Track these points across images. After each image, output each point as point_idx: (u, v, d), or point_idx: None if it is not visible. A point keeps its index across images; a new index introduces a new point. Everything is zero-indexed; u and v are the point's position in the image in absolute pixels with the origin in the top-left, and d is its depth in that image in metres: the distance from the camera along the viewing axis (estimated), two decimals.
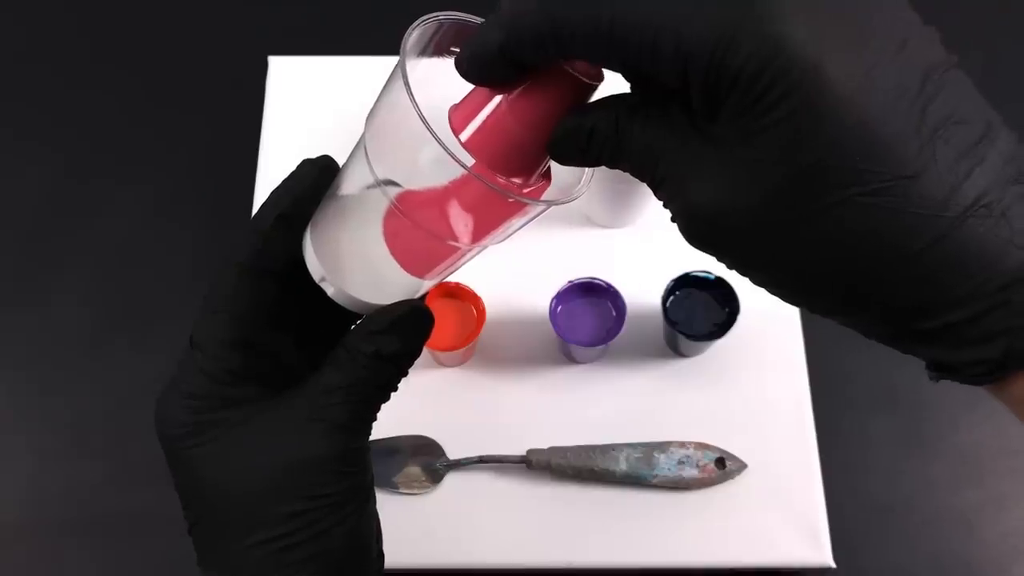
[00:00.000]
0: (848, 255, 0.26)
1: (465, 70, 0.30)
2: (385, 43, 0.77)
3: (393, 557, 0.58)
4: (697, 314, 0.61)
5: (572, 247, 0.67)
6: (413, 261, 0.37)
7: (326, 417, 0.34)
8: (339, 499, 0.35)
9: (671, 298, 0.61)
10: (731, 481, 0.60)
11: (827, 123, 0.24)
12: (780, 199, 0.26)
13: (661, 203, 0.29)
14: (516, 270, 0.66)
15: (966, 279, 0.25)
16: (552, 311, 0.61)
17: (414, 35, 0.32)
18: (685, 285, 0.61)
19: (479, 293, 0.61)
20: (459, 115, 0.32)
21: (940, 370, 0.28)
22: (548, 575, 0.60)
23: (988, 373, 0.26)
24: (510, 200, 0.32)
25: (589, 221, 0.68)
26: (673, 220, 0.29)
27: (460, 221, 0.34)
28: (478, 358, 0.64)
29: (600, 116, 0.29)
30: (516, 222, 0.34)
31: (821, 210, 0.25)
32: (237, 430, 0.35)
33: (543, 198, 0.33)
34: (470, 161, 0.32)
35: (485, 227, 0.34)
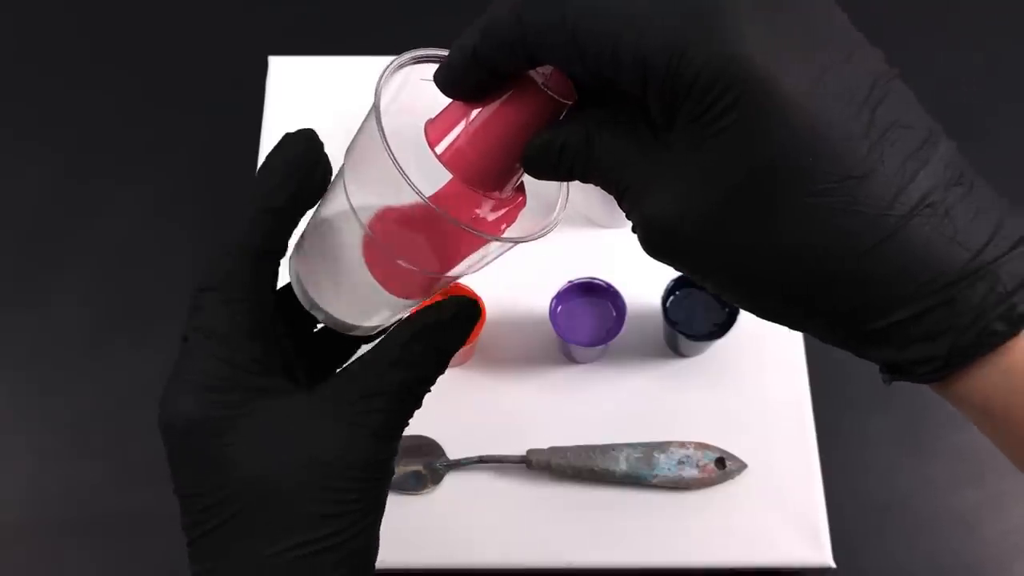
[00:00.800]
0: (799, 256, 0.26)
1: (442, 79, 0.31)
2: (385, 43, 0.77)
3: (393, 557, 0.58)
4: (697, 314, 0.61)
5: (572, 247, 0.67)
6: (398, 286, 0.37)
7: (367, 423, 0.34)
8: (368, 504, 0.35)
9: (671, 298, 0.61)
10: (731, 481, 0.60)
11: (777, 126, 0.25)
12: (733, 202, 0.26)
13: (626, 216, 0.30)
14: (516, 270, 0.66)
15: (912, 278, 0.26)
16: (552, 311, 0.61)
17: (388, 74, 0.33)
18: (685, 285, 0.61)
19: (479, 293, 0.61)
20: (435, 129, 0.32)
21: (892, 371, 0.28)
22: (548, 575, 0.60)
23: (934, 371, 0.27)
24: (481, 236, 0.33)
25: (589, 221, 0.68)
26: (634, 231, 0.29)
27: (433, 253, 0.35)
28: (478, 358, 0.64)
29: (571, 131, 0.30)
30: (491, 253, 0.34)
31: (772, 212, 0.26)
32: (269, 425, 0.33)
33: (510, 233, 0.34)
34: (440, 189, 0.32)
35: (457, 258, 0.35)
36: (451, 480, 0.60)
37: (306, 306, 0.37)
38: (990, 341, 0.26)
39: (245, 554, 0.33)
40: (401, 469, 0.60)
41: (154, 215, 0.72)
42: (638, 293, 0.63)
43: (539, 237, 0.34)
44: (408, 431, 0.67)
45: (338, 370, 0.36)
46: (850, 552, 0.60)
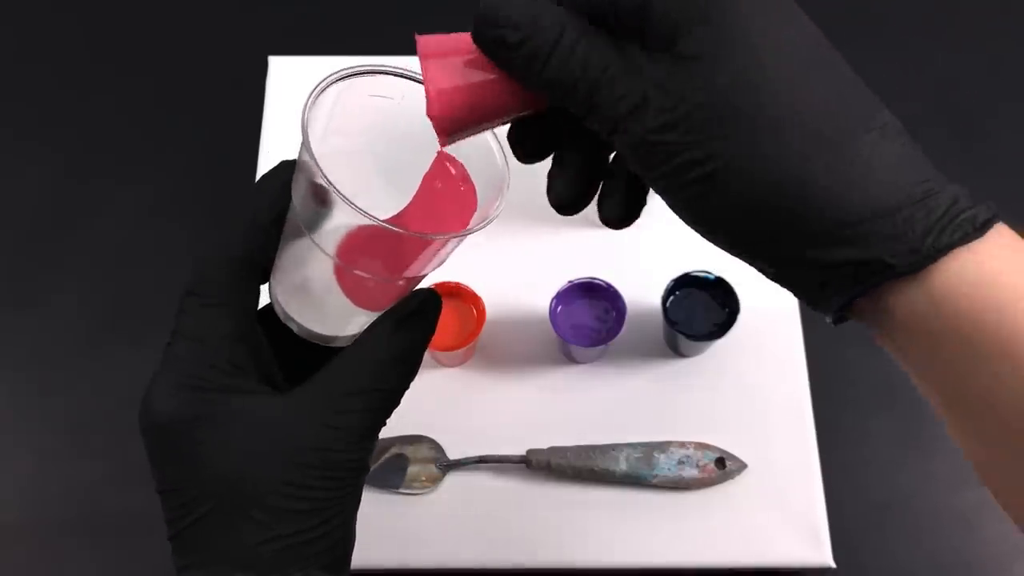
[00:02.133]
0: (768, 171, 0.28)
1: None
2: (385, 43, 0.77)
3: (393, 557, 0.59)
4: (697, 314, 0.61)
5: (572, 247, 0.67)
6: (363, 297, 0.38)
7: (342, 424, 0.35)
8: (348, 497, 0.36)
9: (671, 298, 0.61)
10: (731, 481, 0.60)
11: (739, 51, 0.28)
12: (707, 110, 0.28)
13: (601, 134, 0.31)
14: (516, 270, 0.66)
15: (891, 185, 0.28)
16: (552, 311, 0.61)
17: (314, 100, 0.35)
18: (685, 285, 0.61)
19: (479, 293, 0.61)
20: (435, 57, 0.32)
21: (857, 276, 0.29)
22: (548, 575, 0.60)
23: (909, 266, 0.28)
24: (427, 239, 0.34)
25: (589, 221, 0.68)
26: (621, 150, 0.31)
27: (393, 262, 0.37)
28: (478, 358, 0.64)
29: (549, 16, 0.30)
30: (449, 247, 0.36)
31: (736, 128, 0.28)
32: (244, 424, 0.35)
33: (453, 231, 0.35)
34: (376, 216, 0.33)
35: (416, 263, 0.36)
36: (451, 480, 0.60)
37: (284, 321, 0.39)
38: (962, 237, 0.28)
39: (222, 549, 0.34)
40: (401, 469, 0.60)
41: (154, 215, 0.72)
42: (638, 293, 0.63)
43: (480, 229, 0.35)
44: (408, 431, 0.67)
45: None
46: (850, 552, 0.60)
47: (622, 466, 0.59)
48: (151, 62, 0.78)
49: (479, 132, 0.33)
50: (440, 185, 0.38)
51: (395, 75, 0.38)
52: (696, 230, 0.32)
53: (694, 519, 0.59)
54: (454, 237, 0.34)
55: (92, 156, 0.74)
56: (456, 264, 0.65)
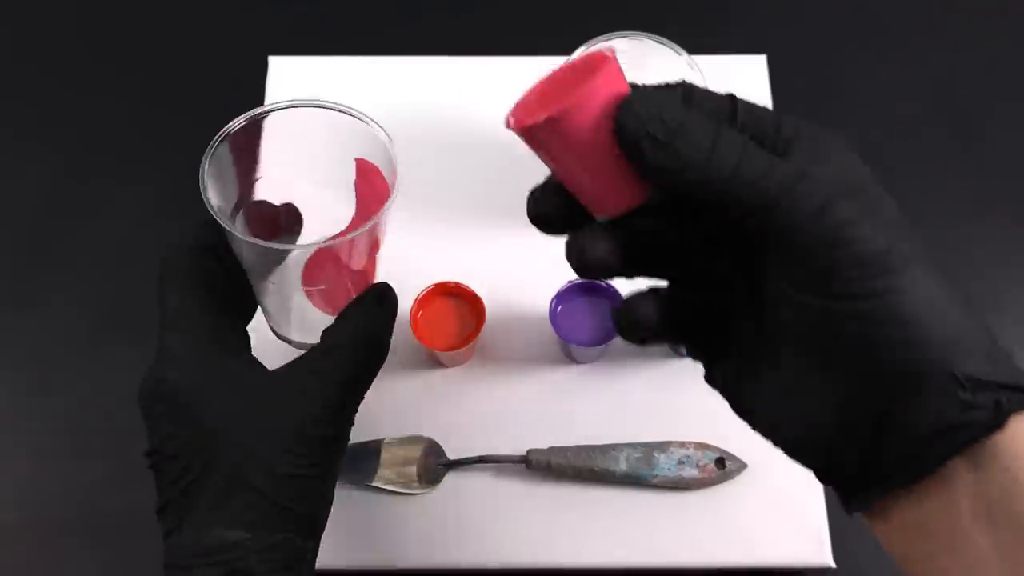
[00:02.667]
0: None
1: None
2: (385, 43, 0.77)
3: (393, 557, 0.59)
4: None
5: None
6: (332, 303, 0.46)
7: (319, 398, 0.40)
8: (328, 470, 0.41)
9: None
10: (731, 481, 0.60)
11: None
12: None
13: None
14: (516, 270, 0.66)
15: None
16: (552, 311, 0.61)
17: (211, 162, 0.43)
18: None
19: (479, 293, 0.61)
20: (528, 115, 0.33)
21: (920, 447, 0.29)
22: (548, 575, 0.60)
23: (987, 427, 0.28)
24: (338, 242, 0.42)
25: None
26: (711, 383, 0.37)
27: (333, 270, 0.45)
28: (478, 358, 0.64)
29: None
30: (364, 240, 0.43)
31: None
32: (231, 391, 0.39)
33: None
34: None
35: (344, 263, 0.44)
36: (451, 480, 0.60)
37: (283, 340, 0.48)
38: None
39: (210, 510, 0.38)
40: (401, 469, 0.60)
41: (154, 215, 0.72)
42: None
43: (368, 227, 0.41)
44: (408, 431, 0.67)
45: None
46: (850, 552, 0.60)
47: (622, 466, 0.59)
48: (151, 62, 0.78)
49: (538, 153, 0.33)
50: (366, 184, 0.45)
51: (282, 109, 0.48)
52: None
53: (694, 519, 0.59)
54: (354, 235, 0.41)
55: (92, 156, 0.74)
56: (456, 264, 0.65)
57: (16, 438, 0.65)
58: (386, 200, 0.42)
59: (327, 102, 0.46)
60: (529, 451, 0.60)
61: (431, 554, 0.58)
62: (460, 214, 0.68)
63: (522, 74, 0.74)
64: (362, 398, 0.43)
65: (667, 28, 0.60)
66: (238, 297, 0.45)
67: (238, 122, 0.45)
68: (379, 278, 0.53)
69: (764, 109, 0.31)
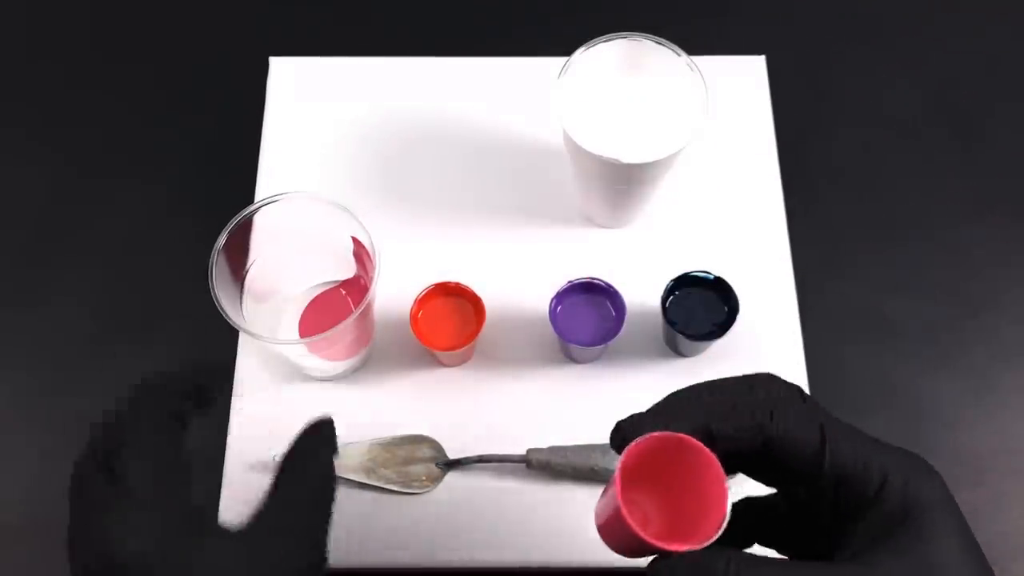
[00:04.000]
0: None
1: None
2: (385, 43, 0.78)
3: (393, 557, 0.59)
4: (697, 314, 0.61)
5: (572, 247, 0.67)
6: (333, 354, 0.59)
7: (280, 561, 0.37)
8: None
9: (671, 298, 0.61)
10: (731, 480, 0.60)
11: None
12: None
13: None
14: (516, 270, 0.66)
15: None
16: (552, 311, 0.61)
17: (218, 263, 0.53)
18: (685, 285, 0.61)
19: (479, 293, 0.61)
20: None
21: None
22: (548, 575, 0.60)
23: None
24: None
25: (589, 221, 0.68)
26: None
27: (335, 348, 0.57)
28: (478, 358, 0.64)
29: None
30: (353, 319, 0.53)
31: None
32: (195, 566, 0.35)
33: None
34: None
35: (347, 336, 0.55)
36: (451, 480, 0.60)
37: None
38: None
39: None
40: (401, 468, 0.60)
41: (154, 215, 0.72)
42: (638, 293, 0.63)
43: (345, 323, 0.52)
44: (408, 431, 0.67)
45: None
46: None
47: None
48: (151, 62, 0.78)
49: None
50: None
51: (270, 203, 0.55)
52: None
53: None
54: (339, 329, 0.52)
55: (93, 156, 0.74)
56: (456, 264, 0.65)
57: (18, 438, 0.65)
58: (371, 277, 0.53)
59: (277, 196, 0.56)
60: (529, 451, 0.60)
61: (431, 553, 0.59)
62: (460, 214, 0.68)
63: (522, 74, 0.75)
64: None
65: (667, 28, 0.60)
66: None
67: (223, 236, 0.52)
68: (380, 279, 0.54)
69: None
